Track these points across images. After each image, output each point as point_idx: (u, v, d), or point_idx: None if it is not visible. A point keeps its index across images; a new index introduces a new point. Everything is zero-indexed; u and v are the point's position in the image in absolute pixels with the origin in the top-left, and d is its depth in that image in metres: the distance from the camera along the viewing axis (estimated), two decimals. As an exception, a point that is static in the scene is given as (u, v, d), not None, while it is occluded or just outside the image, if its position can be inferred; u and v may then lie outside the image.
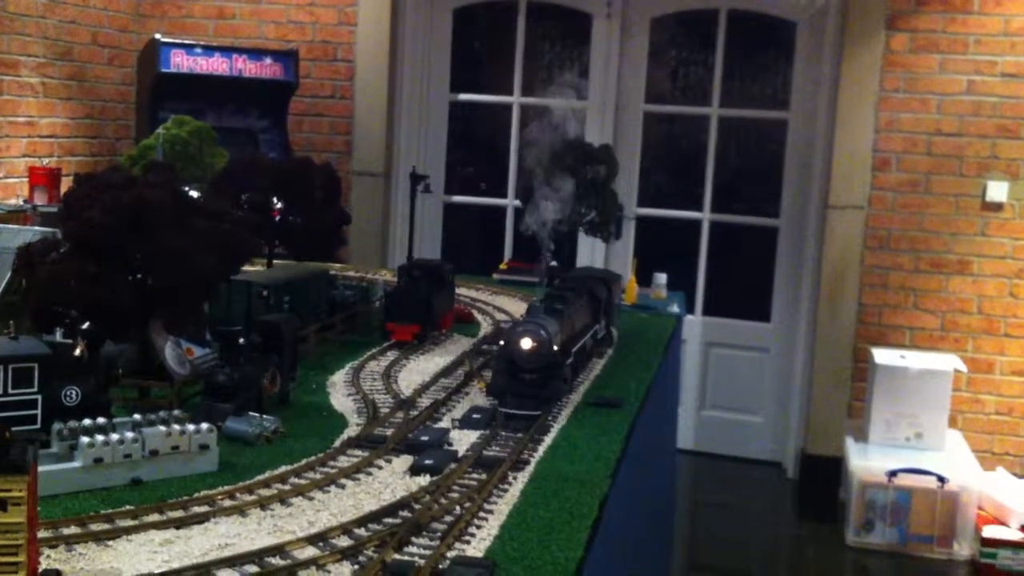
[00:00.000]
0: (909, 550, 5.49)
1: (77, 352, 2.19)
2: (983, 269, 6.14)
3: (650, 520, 3.50)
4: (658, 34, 6.91)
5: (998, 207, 6.09)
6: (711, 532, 6.12)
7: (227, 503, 1.93)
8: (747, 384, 6.87)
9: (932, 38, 6.11)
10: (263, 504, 1.94)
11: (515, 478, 2.16)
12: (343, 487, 2.06)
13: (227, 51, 6.28)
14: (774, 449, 6.83)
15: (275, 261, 3.65)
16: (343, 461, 2.20)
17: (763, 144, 6.96)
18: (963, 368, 5.85)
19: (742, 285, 6.96)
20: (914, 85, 6.15)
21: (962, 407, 6.16)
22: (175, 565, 1.66)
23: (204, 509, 1.90)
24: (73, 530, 1.77)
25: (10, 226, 3.08)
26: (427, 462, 2.16)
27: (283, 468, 2.14)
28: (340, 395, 2.76)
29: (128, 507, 1.88)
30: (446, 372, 3.03)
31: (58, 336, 2.41)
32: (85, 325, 2.27)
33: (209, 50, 6.22)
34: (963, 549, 5.44)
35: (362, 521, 1.88)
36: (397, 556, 1.73)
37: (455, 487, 2.08)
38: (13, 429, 1.49)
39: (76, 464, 1.98)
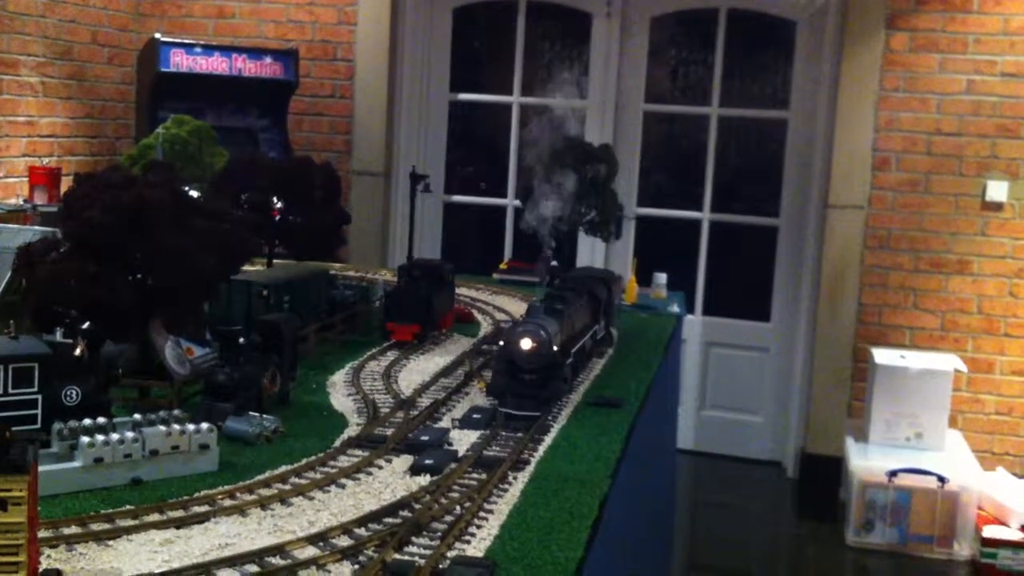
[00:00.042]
0: (909, 550, 5.49)
1: (77, 352, 2.19)
2: (983, 269, 6.14)
3: (650, 520, 3.50)
4: (658, 33, 6.91)
5: (998, 207, 6.09)
6: (711, 532, 6.12)
7: (227, 503, 1.93)
8: (747, 384, 6.87)
9: (932, 37, 6.11)
10: (263, 504, 1.94)
11: (515, 478, 2.16)
12: (343, 487, 2.06)
13: (227, 50, 6.28)
14: (774, 449, 6.83)
15: (275, 261, 3.65)
16: (343, 461, 2.20)
17: (763, 144, 6.96)
18: (963, 368, 5.85)
19: (742, 285, 6.96)
20: (914, 84, 6.15)
21: (962, 407, 6.16)
22: (175, 565, 1.66)
23: (204, 509, 1.90)
24: (73, 530, 1.77)
25: (10, 226, 3.08)
26: (427, 462, 2.16)
27: (283, 468, 2.14)
28: (340, 395, 2.76)
29: (128, 507, 1.88)
30: (446, 372, 3.03)
31: (58, 336, 2.41)
32: (85, 325, 2.27)
33: (209, 49, 6.22)
34: (963, 549, 5.44)
35: (362, 521, 1.88)
36: (397, 556, 1.73)
37: (455, 487, 2.08)
38: (13, 429, 1.49)
39: (76, 464, 1.98)
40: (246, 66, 6.29)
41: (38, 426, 2.07)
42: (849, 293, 6.32)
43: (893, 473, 5.48)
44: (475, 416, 2.52)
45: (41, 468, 1.63)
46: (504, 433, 2.44)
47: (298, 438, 2.35)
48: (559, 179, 3.43)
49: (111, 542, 1.74)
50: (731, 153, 6.95)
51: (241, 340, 2.49)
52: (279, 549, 1.73)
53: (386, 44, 6.79)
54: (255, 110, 6.42)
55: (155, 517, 1.85)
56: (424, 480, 2.11)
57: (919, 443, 5.71)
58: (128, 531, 1.78)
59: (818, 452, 6.40)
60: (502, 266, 4.90)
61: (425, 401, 2.70)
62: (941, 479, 5.43)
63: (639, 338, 3.73)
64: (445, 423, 2.53)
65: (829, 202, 6.33)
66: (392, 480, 2.11)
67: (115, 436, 2.01)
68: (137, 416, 2.12)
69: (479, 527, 1.89)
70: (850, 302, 6.32)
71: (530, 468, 2.24)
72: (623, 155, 5.66)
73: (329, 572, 1.68)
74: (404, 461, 2.22)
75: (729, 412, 6.94)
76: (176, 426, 2.09)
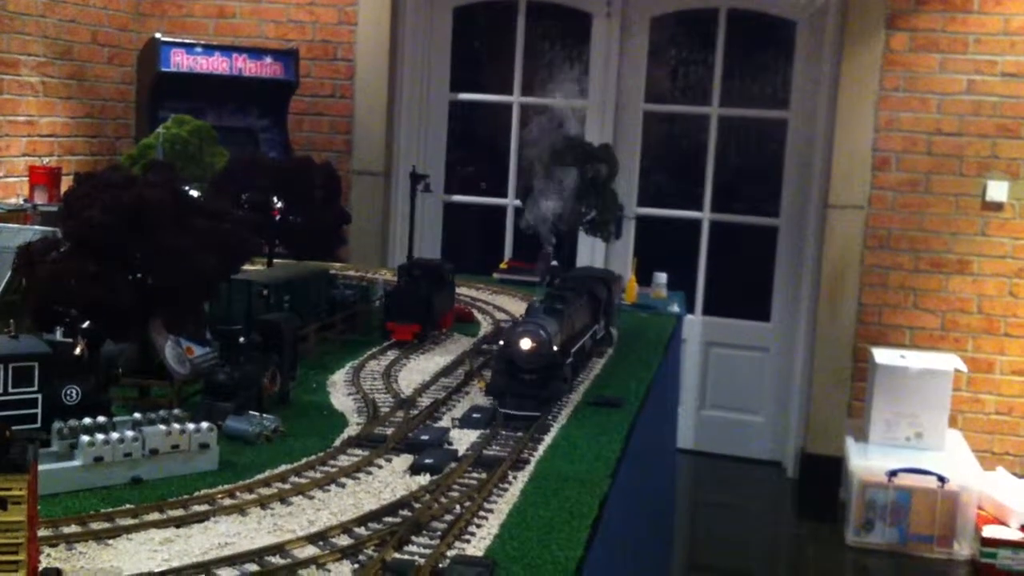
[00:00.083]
0: (909, 550, 5.50)
1: (77, 351, 2.19)
2: (983, 269, 6.14)
3: (650, 520, 3.50)
4: (658, 33, 6.91)
5: (998, 207, 6.09)
6: (711, 532, 6.13)
7: (227, 502, 1.93)
8: (747, 384, 6.87)
9: (932, 37, 6.11)
10: (263, 503, 1.94)
11: (515, 477, 2.16)
12: (343, 486, 2.06)
13: (227, 50, 6.28)
14: (774, 449, 6.83)
15: (275, 260, 3.65)
16: (343, 460, 2.20)
17: (763, 143, 6.96)
18: (963, 368, 5.85)
19: (742, 285, 6.96)
20: (914, 84, 6.15)
21: (962, 407, 6.16)
22: (175, 564, 1.66)
23: (204, 508, 1.90)
24: (73, 529, 1.77)
25: (10, 225, 3.08)
26: (427, 461, 2.16)
27: (283, 467, 2.14)
28: (340, 394, 2.76)
29: (128, 506, 1.88)
30: (446, 371, 3.03)
31: (58, 335, 2.41)
32: (85, 324, 2.27)
33: (209, 49, 6.22)
34: (963, 549, 5.44)
35: (362, 520, 1.88)
36: (397, 555, 1.73)
37: (455, 486, 2.08)
38: (13, 428, 1.49)
39: (76, 463, 1.98)
40: (246, 66, 6.29)
41: (38, 425, 2.07)
42: (849, 293, 6.32)
43: (893, 473, 5.48)
44: (475, 415, 2.52)
45: (41, 467, 1.63)
46: (504, 432, 2.44)
47: (298, 437, 2.35)
48: (559, 175, 3.43)
49: (111, 541, 1.74)
50: (731, 153, 6.95)
51: (241, 340, 2.49)
52: (279, 548, 1.73)
53: (386, 44, 6.79)
54: (255, 110, 6.43)
55: (155, 516, 1.85)
56: (424, 479, 2.11)
57: (919, 443, 5.71)
58: (128, 530, 1.78)
59: (818, 452, 6.40)
60: (502, 266, 4.90)
61: (425, 401, 2.70)
62: (941, 479, 5.43)
63: (639, 338, 3.73)
64: (445, 422, 2.53)
65: (829, 202, 6.33)
66: (392, 479, 2.11)
67: (115, 435, 2.01)
68: (137, 415, 2.12)
69: (479, 526, 1.89)
70: (850, 302, 6.32)
71: (530, 467, 2.24)
72: (623, 155, 5.66)
73: (329, 571, 1.68)
74: (404, 460, 2.22)
75: (729, 412, 6.94)
76: (176, 425, 2.09)
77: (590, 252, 6.53)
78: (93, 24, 6.54)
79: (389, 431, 2.40)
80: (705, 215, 6.88)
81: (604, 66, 6.83)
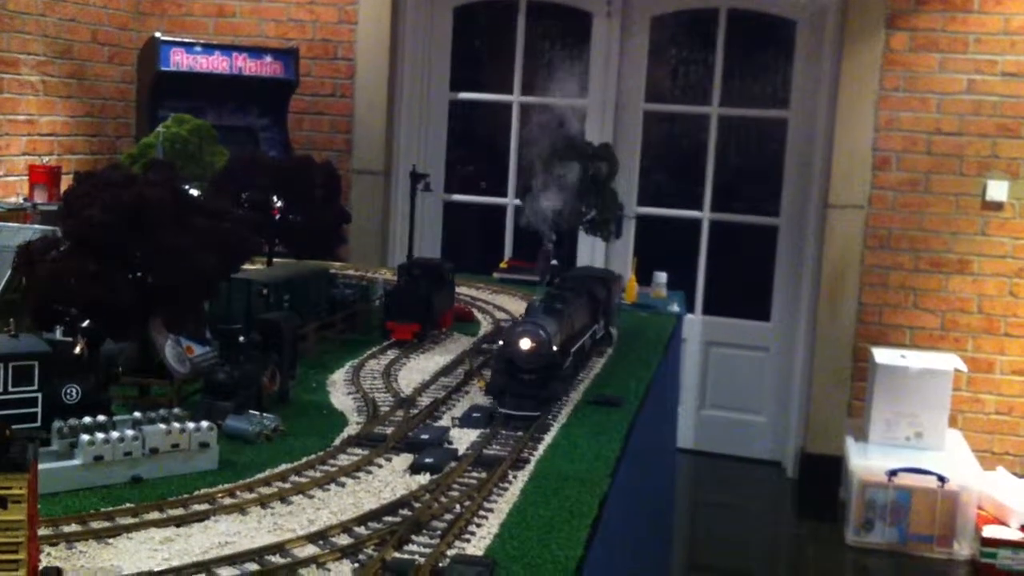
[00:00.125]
0: (909, 550, 5.49)
1: (77, 350, 2.19)
2: (983, 268, 6.14)
3: (650, 519, 3.50)
4: (658, 33, 6.91)
5: (998, 206, 6.09)
6: (711, 532, 6.12)
7: (227, 501, 1.93)
8: (747, 383, 6.87)
9: (932, 37, 6.11)
10: (263, 502, 1.94)
11: (515, 477, 2.16)
12: (343, 485, 2.06)
13: (227, 49, 6.28)
14: (774, 448, 6.83)
15: (275, 259, 3.65)
16: (343, 459, 2.20)
17: (763, 143, 6.96)
18: (963, 368, 5.85)
19: (742, 284, 6.96)
20: (914, 84, 6.15)
21: (962, 407, 6.16)
22: (175, 563, 1.66)
23: (204, 507, 1.90)
24: (73, 528, 1.77)
25: (10, 224, 3.08)
26: (427, 460, 2.16)
27: (283, 466, 2.14)
28: (340, 393, 2.76)
29: (128, 505, 1.88)
30: (446, 371, 3.03)
31: (58, 334, 2.41)
32: (85, 323, 2.27)
33: (209, 48, 6.22)
34: (963, 549, 5.44)
35: (362, 519, 1.88)
36: (397, 554, 1.73)
37: (455, 485, 2.08)
38: (13, 427, 1.49)
39: (76, 462, 1.98)
40: (246, 65, 6.29)
41: (38, 424, 2.07)
42: (849, 293, 6.32)
43: (893, 473, 5.48)
44: (475, 415, 2.52)
45: (41, 466, 1.63)
46: (504, 432, 2.44)
47: (298, 436, 2.35)
48: (560, 171, 3.43)
49: (111, 540, 1.74)
50: (731, 153, 6.95)
51: (241, 339, 2.49)
52: (279, 547, 1.73)
53: (387, 43, 6.78)
54: (255, 109, 6.42)
55: (155, 515, 1.85)
56: (424, 479, 2.11)
57: (919, 443, 5.71)
58: (128, 529, 1.78)
59: (818, 452, 6.40)
60: (502, 265, 4.90)
61: (425, 400, 2.70)
62: (941, 479, 5.43)
63: (639, 337, 3.73)
64: (445, 422, 2.53)
65: (829, 202, 6.33)
66: (392, 479, 2.11)
67: (115, 434, 2.01)
68: (137, 414, 2.12)
69: (479, 526, 1.89)
70: (850, 302, 6.32)
71: (530, 467, 2.24)
72: (623, 154, 5.65)
73: (329, 571, 1.68)
74: (404, 460, 2.22)
75: (729, 412, 6.94)
76: (176, 424, 2.09)
77: (590, 251, 6.53)
78: (93, 23, 6.53)
79: (389, 430, 2.40)
80: (705, 215, 6.88)
81: (604, 65, 6.83)
